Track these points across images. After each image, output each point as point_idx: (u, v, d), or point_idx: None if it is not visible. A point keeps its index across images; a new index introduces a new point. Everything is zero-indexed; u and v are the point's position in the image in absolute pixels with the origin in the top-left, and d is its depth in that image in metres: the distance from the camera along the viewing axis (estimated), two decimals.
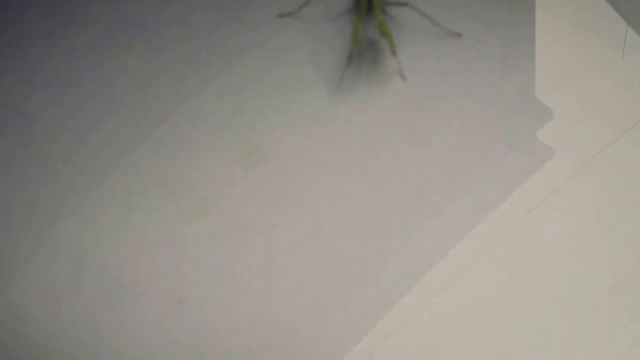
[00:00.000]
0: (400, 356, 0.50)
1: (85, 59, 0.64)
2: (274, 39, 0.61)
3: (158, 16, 0.66)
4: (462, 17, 0.64)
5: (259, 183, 0.56)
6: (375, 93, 0.57)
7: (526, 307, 0.51)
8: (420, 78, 0.60)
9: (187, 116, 0.60)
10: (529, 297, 0.51)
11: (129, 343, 0.51)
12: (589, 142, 0.57)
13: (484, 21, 0.64)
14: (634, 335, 0.49)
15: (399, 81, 0.56)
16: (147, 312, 0.52)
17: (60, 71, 0.64)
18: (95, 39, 0.65)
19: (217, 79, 0.61)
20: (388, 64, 0.58)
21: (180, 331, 0.51)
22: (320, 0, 0.61)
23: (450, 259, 0.52)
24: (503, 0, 0.65)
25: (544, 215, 0.53)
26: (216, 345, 0.51)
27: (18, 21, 0.68)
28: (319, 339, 0.51)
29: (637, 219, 0.53)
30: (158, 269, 0.54)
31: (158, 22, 0.66)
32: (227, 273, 0.53)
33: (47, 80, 0.63)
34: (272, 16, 0.61)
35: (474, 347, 0.50)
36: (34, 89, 0.63)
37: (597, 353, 0.49)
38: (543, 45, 0.62)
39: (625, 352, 0.49)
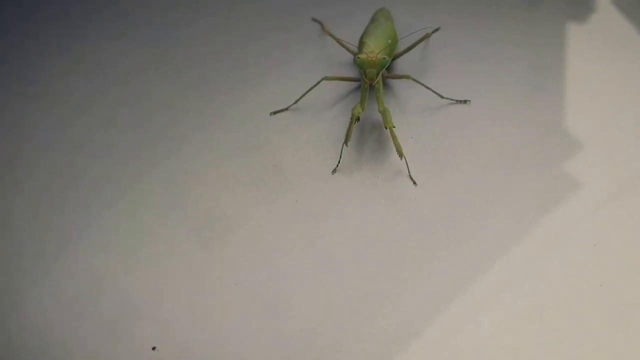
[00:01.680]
0: None
1: (108, 84, 0.64)
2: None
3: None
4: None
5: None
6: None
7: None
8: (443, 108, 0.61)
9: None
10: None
11: None
12: (619, 168, 0.57)
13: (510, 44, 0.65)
14: None
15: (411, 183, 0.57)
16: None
17: (73, 98, 0.64)
18: (109, 68, 0.66)
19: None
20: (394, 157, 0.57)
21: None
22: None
23: (476, 289, 0.52)
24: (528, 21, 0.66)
25: (567, 247, 0.53)
26: None
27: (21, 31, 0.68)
28: None
29: None
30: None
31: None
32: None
33: (62, 103, 0.63)
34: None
35: None
36: (51, 112, 0.63)
37: None
38: (572, 71, 0.63)
39: None
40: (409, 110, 0.61)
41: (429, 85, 0.60)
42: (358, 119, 0.56)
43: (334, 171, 0.57)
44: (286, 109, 0.61)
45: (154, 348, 0.50)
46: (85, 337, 0.51)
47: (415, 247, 0.54)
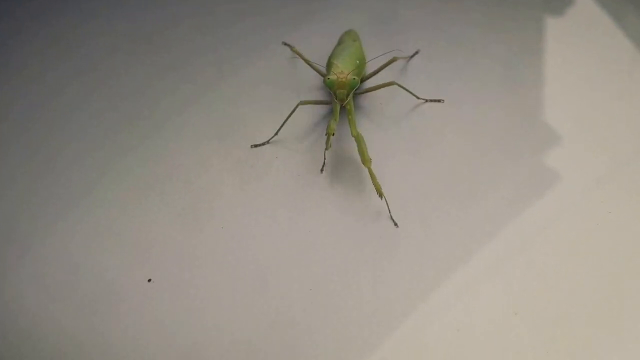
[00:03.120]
0: None
1: (84, 65, 0.64)
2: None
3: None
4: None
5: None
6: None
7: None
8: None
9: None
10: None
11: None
12: (598, 158, 0.58)
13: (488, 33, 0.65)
14: None
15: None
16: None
17: (57, 80, 0.64)
18: (93, 49, 0.66)
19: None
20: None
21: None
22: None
23: (458, 275, 0.53)
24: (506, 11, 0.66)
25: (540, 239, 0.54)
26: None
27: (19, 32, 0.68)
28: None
29: None
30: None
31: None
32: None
33: (37, 84, 0.63)
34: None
35: None
36: (27, 92, 0.63)
37: None
38: (550, 62, 0.63)
39: None
40: (384, 106, 0.62)
41: (409, 87, 0.60)
42: (333, 134, 0.55)
43: (322, 170, 0.57)
44: (267, 142, 0.60)
45: None
46: (62, 319, 0.51)
47: (396, 237, 0.54)
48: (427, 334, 0.50)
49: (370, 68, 0.62)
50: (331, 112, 0.60)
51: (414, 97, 0.61)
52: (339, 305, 0.51)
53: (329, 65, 0.60)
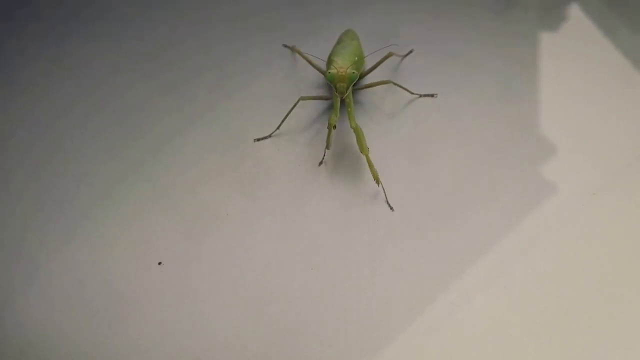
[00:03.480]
0: None
1: (89, 83, 0.65)
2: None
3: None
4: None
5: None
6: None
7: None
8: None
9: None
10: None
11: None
12: (593, 169, 0.59)
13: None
14: None
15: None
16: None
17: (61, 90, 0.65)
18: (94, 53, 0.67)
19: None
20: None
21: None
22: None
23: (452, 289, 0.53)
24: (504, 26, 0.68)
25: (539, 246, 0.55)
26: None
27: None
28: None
29: None
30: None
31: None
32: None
33: (43, 103, 0.64)
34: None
35: None
36: (32, 110, 0.64)
37: None
38: (545, 75, 0.64)
39: None
40: (381, 114, 0.63)
41: (405, 86, 0.62)
42: (334, 126, 0.58)
43: (320, 163, 0.59)
44: (269, 136, 0.62)
45: None
46: (73, 331, 0.52)
47: (395, 246, 0.55)
48: (426, 340, 0.51)
49: (368, 65, 0.65)
50: (331, 107, 0.62)
51: (409, 95, 0.63)
52: (342, 295, 0.53)
53: (329, 62, 0.62)
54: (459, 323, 0.52)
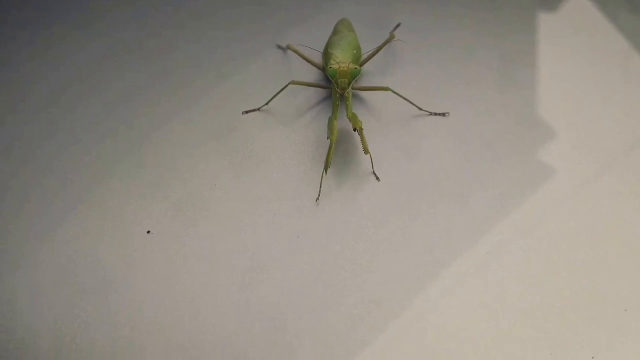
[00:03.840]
0: None
1: (81, 70, 0.64)
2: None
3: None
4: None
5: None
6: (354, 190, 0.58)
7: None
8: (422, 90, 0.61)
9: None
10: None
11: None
12: (590, 155, 0.58)
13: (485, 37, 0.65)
14: None
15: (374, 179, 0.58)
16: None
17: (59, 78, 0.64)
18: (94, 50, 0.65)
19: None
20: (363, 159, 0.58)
21: None
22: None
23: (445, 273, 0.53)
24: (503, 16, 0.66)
25: (535, 233, 0.54)
26: None
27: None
28: None
29: None
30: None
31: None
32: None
33: (31, 93, 0.63)
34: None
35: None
36: (23, 97, 0.63)
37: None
38: (542, 59, 0.64)
39: None
40: (381, 104, 0.62)
41: (406, 95, 0.60)
42: (335, 134, 0.56)
43: (317, 200, 0.57)
44: (258, 110, 0.61)
45: None
46: (62, 304, 0.52)
47: (392, 233, 0.54)
48: (420, 324, 0.51)
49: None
50: (324, 100, 0.62)
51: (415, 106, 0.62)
52: (333, 278, 0.53)
53: (328, 55, 0.61)
54: (451, 308, 0.51)
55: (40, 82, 0.63)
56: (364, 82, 0.63)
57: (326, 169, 0.56)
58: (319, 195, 0.57)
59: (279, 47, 0.66)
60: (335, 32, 0.64)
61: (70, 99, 0.62)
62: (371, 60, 0.62)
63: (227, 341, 0.50)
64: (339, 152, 0.59)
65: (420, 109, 0.61)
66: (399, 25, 0.66)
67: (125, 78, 0.63)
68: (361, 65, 0.62)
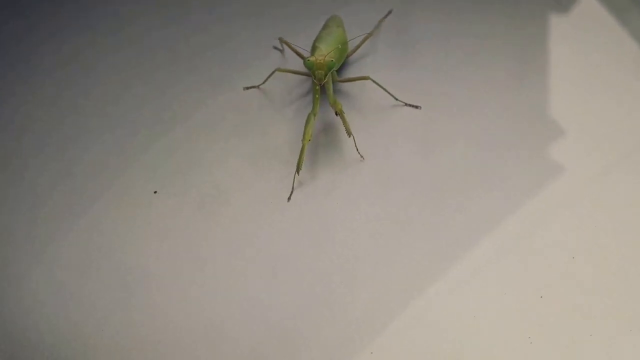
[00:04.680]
0: None
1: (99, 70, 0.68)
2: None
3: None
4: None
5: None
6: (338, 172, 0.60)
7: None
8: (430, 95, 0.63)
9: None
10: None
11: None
12: (600, 152, 0.58)
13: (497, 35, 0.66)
14: None
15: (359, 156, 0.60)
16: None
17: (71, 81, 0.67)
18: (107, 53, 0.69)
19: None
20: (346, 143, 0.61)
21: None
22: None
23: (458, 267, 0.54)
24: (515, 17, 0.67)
25: (549, 229, 0.55)
26: None
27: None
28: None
29: None
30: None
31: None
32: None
33: (58, 97, 0.66)
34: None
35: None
36: (41, 93, 0.66)
37: None
38: (554, 58, 0.64)
39: None
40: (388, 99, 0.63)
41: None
42: (309, 139, 0.58)
43: (289, 199, 0.59)
44: (257, 87, 0.65)
45: None
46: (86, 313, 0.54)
47: (400, 226, 0.56)
48: (427, 318, 0.52)
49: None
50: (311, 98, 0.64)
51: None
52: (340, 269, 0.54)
53: (313, 48, 0.63)
54: (458, 304, 0.52)
55: (64, 88, 0.67)
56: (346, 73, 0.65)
57: (298, 170, 0.58)
58: (291, 195, 0.59)
59: (275, 47, 0.68)
60: (324, 27, 0.66)
61: (93, 100, 0.66)
62: (380, 70, 0.64)
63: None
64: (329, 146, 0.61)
65: (396, 99, 0.62)
66: (390, 12, 0.68)
67: (150, 79, 0.67)
68: (348, 57, 0.64)
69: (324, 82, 0.59)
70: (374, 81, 0.61)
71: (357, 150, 0.59)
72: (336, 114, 0.59)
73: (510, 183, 0.57)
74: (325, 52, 0.60)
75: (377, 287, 0.53)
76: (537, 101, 0.61)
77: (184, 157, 0.61)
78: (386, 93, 0.61)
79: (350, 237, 0.56)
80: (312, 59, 0.59)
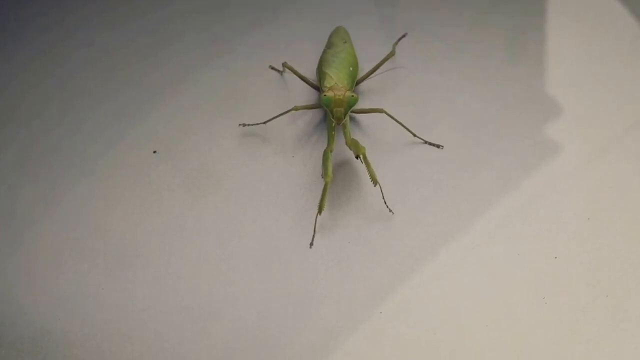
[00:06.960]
0: None
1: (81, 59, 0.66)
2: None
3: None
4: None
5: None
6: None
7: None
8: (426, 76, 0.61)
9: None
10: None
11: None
12: (596, 132, 0.58)
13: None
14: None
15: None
16: None
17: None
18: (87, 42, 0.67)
19: None
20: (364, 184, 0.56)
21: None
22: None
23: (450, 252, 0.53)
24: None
25: (543, 210, 0.54)
26: None
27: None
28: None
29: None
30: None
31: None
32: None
33: (49, 75, 0.65)
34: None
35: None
36: (26, 82, 0.64)
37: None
38: (549, 37, 0.64)
39: None
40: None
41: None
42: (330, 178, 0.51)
43: (311, 245, 0.53)
44: (256, 124, 0.58)
45: None
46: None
47: (396, 208, 0.54)
48: (429, 293, 0.51)
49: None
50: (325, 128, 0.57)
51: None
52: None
53: (321, 74, 0.56)
54: (457, 282, 0.51)
55: (58, 66, 0.65)
56: (361, 101, 0.59)
57: (320, 210, 0.51)
58: (313, 239, 0.52)
59: (272, 68, 0.61)
60: (329, 45, 0.59)
61: (79, 81, 0.64)
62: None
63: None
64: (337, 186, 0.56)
65: (415, 135, 0.56)
66: (404, 36, 0.62)
67: (136, 60, 0.65)
68: (359, 83, 0.58)
69: (344, 121, 0.52)
70: (388, 114, 0.55)
71: (385, 202, 0.52)
72: (356, 157, 0.51)
73: (505, 160, 0.56)
74: (338, 81, 0.54)
75: (395, 253, 0.52)
76: (533, 77, 0.61)
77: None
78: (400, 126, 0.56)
79: (343, 220, 0.54)
80: (330, 94, 0.51)
